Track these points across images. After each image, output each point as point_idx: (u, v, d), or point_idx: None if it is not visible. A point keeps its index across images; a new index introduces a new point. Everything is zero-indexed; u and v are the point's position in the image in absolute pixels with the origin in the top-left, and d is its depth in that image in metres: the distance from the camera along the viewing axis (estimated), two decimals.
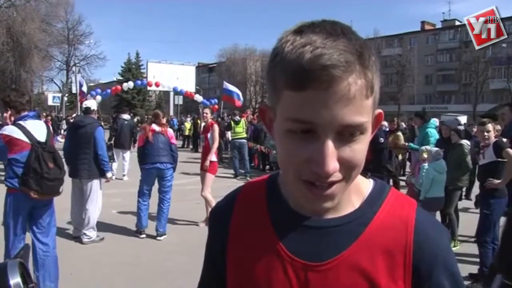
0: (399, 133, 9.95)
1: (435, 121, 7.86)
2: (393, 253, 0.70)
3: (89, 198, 5.56)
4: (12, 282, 0.50)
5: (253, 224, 0.78)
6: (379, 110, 0.71)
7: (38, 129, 3.88)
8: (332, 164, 0.61)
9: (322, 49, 0.59)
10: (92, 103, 6.15)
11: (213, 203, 6.22)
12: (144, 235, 5.78)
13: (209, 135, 6.46)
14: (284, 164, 0.67)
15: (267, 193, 0.81)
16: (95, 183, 5.60)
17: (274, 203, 0.78)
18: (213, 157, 6.44)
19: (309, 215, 0.74)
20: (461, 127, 6.42)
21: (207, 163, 6.32)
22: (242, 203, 0.82)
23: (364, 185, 0.77)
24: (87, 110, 5.93)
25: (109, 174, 5.68)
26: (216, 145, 6.46)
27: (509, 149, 4.58)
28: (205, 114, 6.85)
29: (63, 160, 4.29)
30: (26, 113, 3.89)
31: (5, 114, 3.92)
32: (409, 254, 0.70)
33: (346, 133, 0.62)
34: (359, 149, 0.64)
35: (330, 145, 0.61)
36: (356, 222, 0.72)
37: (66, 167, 4.24)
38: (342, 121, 0.60)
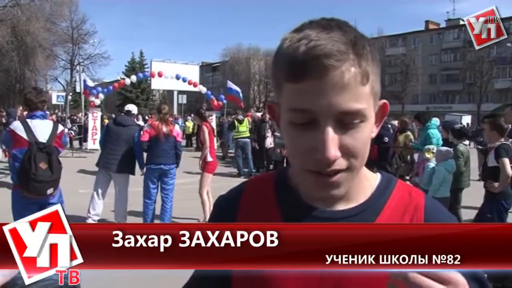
0: (409, 133, 9.69)
1: (436, 121, 7.82)
2: None
3: (120, 191, 5.95)
4: None
5: (262, 215, 0.78)
6: (384, 101, 0.73)
7: (43, 129, 3.97)
8: (333, 151, 0.64)
9: (315, 41, 0.62)
10: (133, 108, 6.72)
11: (207, 205, 6.31)
12: None
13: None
14: (291, 156, 0.70)
15: (276, 185, 0.81)
16: (126, 177, 5.99)
17: (283, 195, 0.79)
18: (208, 157, 6.38)
19: (319, 206, 0.75)
20: (458, 126, 6.42)
21: (201, 162, 6.42)
22: (250, 195, 0.83)
23: (372, 178, 0.80)
24: (128, 113, 6.49)
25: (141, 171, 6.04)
26: (207, 145, 6.40)
27: (505, 159, 4.57)
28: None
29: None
30: (35, 112, 4.03)
31: (19, 110, 4.16)
32: None
33: (346, 121, 0.64)
34: (361, 137, 0.66)
35: (330, 131, 0.64)
36: (366, 213, 0.74)
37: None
38: (339, 108, 0.63)
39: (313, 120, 0.64)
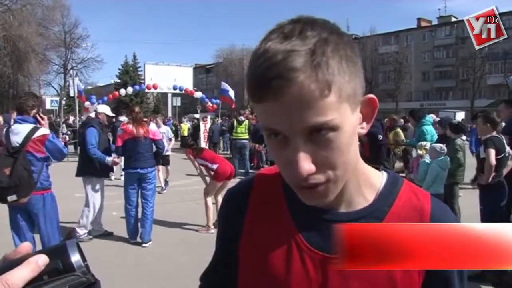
0: (398, 130, 9.88)
1: (430, 118, 7.91)
2: None
3: (86, 196, 5.78)
4: (73, 259, 0.53)
5: (271, 211, 0.79)
6: (369, 96, 0.70)
7: (19, 133, 3.94)
8: (306, 166, 0.62)
9: (270, 61, 0.60)
10: (100, 108, 6.38)
11: (210, 209, 6.14)
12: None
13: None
14: (277, 166, 0.71)
15: (284, 181, 0.80)
16: (89, 182, 5.78)
17: (291, 193, 0.77)
18: (213, 166, 6.10)
19: (325, 207, 0.75)
20: (455, 121, 6.51)
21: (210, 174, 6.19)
22: (259, 190, 0.83)
23: (377, 178, 0.78)
24: (95, 114, 6.24)
25: (109, 158, 5.66)
26: (200, 174, 6.33)
27: (491, 150, 4.64)
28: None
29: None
30: (18, 116, 4.07)
31: (13, 115, 4.24)
32: None
33: (314, 135, 0.62)
34: (335, 147, 0.64)
35: (299, 148, 0.62)
36: (371, 216, 0.73)
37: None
38: (302, 125, 0.61)
39: (284, 136, 0.64)
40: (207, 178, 6.36)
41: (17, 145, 3.87)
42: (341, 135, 0.63)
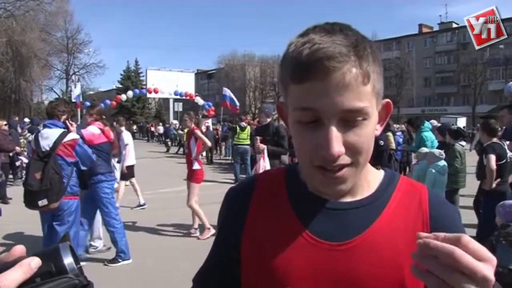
0: (389, 133, 9.95)
1: (429, 124, 7.95)
2: (410, 230, 0.73)
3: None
4: (66, 262, 0.53)
5: (273, 207, 0.81)
6: (387, 100, 0.77)
7: (48, 137, 3.93)
8: (337, 147, 0.66)
9: (318, 45, 0.66)
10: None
11: (201, 212, 6.07)
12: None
13: (191, 142, 6.10)
14: (298, 152, 0.73)
15: (286, 178, 0.85)
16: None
17: (293, 188, 0.82)
18: (195, 165, 6.06)
19: (327, 198, 0.78)
20: (455, 127, 6.52)
21: (195, 166, 6.04)
22: (261, 188, 0.85)
23: (377, 174, 0.84)
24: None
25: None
26: (205, 147, 6.10)
27: (491, 156, 4.65)
28: (185, 121, 6.33)
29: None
30: (46, 120, 4.15)
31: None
32: (426, 229, 0.74)
33: (349, 119, 0.67)
34: (364, 134, 0.69)
35: (333, 130, 0.67)
36: (374, 205, 0.78)
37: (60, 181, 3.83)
38: (342, 107, 0.66)
39: (318, 118, 0.68)
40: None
41: (47, 149, 3.85)
42: (370, 124, 0.70)
